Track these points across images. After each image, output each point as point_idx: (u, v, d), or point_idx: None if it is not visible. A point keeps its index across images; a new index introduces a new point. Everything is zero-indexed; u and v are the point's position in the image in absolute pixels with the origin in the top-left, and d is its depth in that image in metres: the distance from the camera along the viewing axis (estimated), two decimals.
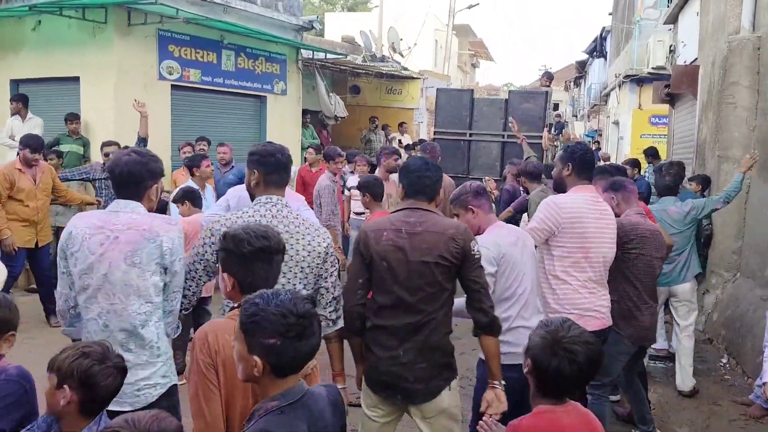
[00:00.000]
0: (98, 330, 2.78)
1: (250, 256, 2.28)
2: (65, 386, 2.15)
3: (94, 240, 2.80)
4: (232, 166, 8.18)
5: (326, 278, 2.96)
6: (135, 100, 7.06)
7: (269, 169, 2.98)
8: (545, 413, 2.19)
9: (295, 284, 2.85)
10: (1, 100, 9.61)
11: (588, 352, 2.19)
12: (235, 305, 2.31)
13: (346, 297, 3.03)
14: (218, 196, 7.86)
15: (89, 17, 8.52)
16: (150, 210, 2.96)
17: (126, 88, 8.71)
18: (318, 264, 2.91)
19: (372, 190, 5.47)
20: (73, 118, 8.66)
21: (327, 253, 2.94)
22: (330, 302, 2.98)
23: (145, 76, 8.97)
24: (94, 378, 2.17)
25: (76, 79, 8.92)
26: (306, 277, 2.88)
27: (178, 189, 5.92)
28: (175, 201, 5.69)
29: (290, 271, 2.84)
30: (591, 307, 3.87)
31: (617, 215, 4.32)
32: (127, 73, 8.74)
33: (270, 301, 1.83)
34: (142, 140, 7.04)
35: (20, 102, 8.78)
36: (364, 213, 7.17)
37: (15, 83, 9.61)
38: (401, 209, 3.08)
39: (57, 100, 9.28)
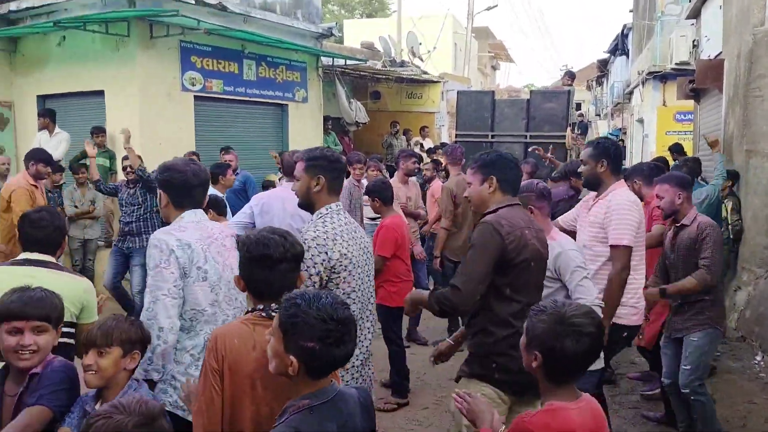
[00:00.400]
0: None
1: (248, 262, 2.33)
2: (137, 351, 2.48)
3: (212, 250, 2.88)
4: (237, 173, 8.15)
5: None
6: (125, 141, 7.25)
7: (335, 174, 3.03)
8: (558, 410, 2.06)
9: (369, 286, 3.09)
10: (29, 116, 9.78)
11: (594, 321, 2.07)
12: (249, 309, 2.37)
13: (466, 295, 2.83)
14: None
15: (112, 31, 8.64)
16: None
17: (150, 99, 8.82)
18: None
19: (381, 194, 5.41)
20: (99, 131, 8.79)
21: None
22: None
23: (169, 87, 9.08)
24: (149, 339, 2.59)
25: (101, 92, 9.04)
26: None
27: None
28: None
29: (367, 274, 3.06)
30: (643, 305, 4.03)
31: (676, 211, 4.31)
32: (150, 85, 8.85)
33: (312, 304, 1.85)
34: (136, 171, 7.08)
35: (47, 117, 8.94)
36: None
37: (42, 99, 9.77)
38: (511, 205, 2.99)
39: (83, 113, 9.41)
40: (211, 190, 6.46)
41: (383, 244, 5.25)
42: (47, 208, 3.25)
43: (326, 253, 2.82)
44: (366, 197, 6.43)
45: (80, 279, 3.05)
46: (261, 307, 2.33)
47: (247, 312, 2.38)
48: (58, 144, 8.93)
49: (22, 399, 2.37)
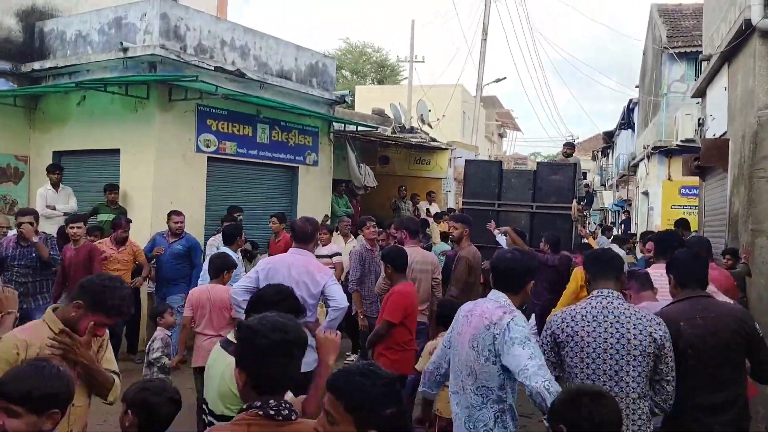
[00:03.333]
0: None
1: (266, 350, 2.09)
2: (129, 411, 2.74)
3: (461, 318, 3.35)
4: (183, 236, 8.01)
5: (666, 363, 3.19)
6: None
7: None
8: None
9: (627, 371, 3.11)
10: (43, 172, 9.91)
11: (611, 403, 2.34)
12: (245, 406, 2.14)
13: None
14: (162, 269, 7.87)
15: (132, 93, 8.88)
16: None
17: (165, 159, 8.99)
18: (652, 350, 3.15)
19: (393, 262, 5.35)
20: (112, 188, 8.91)
21: (663, 339, 3.17)
22: (671, 391, 3.22)
23: (184, 148, 9.24)
24: (151, 406, 2.76)
25: (117, 151, 9.22)
26: (639, 364, 3.14)
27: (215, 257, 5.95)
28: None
29: (622, 358, 3.14)
30: None
31: None
32: (166, 145, 9.02)
33: (372, 377, 1.91)
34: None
35: (61, 172, 9.10)
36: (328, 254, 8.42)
37: (58, 155, 9.96)
38: (685, 299, 3.52)
39: (97, 171, 9.58)
40: (225, 249, 6.58)
41: (393, 309, 5.18)
42: None
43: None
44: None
45: None
46: (258, 404, 2.07)
47: (241, 410, 2.13)
48: (67, 198, 9.08)
49: None
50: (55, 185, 9.08)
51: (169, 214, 8.06)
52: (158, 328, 5.91)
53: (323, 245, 8.76)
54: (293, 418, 2.07)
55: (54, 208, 8.93)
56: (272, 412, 2.04)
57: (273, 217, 9.39)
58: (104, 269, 7.09)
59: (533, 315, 8.21)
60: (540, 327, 8.18)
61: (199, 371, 5.51)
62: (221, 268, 5.56)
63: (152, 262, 8.09)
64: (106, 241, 7.88)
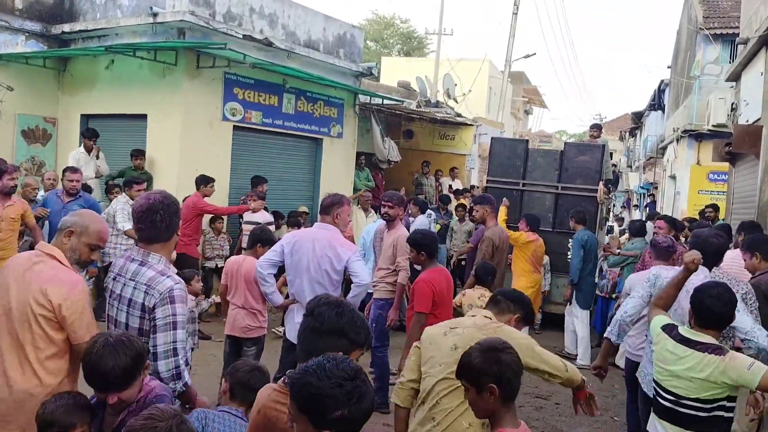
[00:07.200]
0: None
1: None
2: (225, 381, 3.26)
3: None
4: (79, 196, 7.47)
5: None
6: None
7: None
8: None
9: None
10: (71, 134, 10.04)
11: None
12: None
13: None
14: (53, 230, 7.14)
15: (160, 59, 8.87)
16: None
17: (191, 126, 9.01)
18: None
19: (428, 248, 5.11)
20: (138, 154, 8.97)
21: None
22: None
23: (210, 116, 9.26)
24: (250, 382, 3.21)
25: (144, 116, 9.25)
26: None
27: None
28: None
29: None
30: None
31: None
32: (192, 112, 9.03)
33: (321, 376, 1.90)
34: None
35: (95, 139, 9.16)
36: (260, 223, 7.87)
37: (85, 118, 10.03)
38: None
39: (124, 135, 9.64)
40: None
41: (420, 299, 4.88)
42: None
43: None
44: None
45: None
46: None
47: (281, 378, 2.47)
48: (101, 162, 9.18)
49: (124, 423, 2.55)
50: (89, 150, 9.15)
51: (64, 171, 7.56)
52: None
53: (254, 212, 8.68)
54: None
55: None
56: None
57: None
58: None
59: None
60: None
61: (230, 338, 5.57)
62: (256, 241, 5.57)
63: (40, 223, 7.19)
64: None
